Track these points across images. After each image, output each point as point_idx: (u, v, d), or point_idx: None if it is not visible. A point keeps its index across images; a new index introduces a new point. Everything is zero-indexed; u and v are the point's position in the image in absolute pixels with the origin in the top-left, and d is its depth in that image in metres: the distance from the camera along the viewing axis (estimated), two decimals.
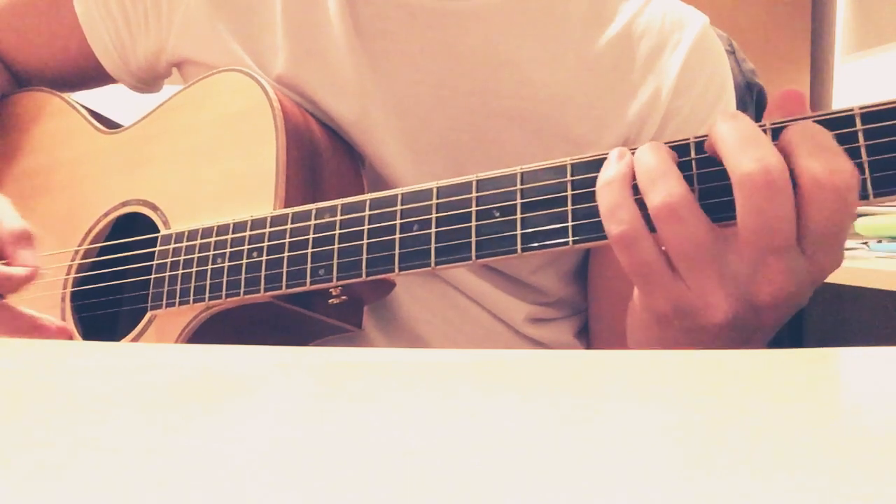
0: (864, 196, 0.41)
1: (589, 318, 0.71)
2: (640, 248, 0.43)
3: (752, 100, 1.14)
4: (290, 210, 0.56)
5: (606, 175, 0.44)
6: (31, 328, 0.63)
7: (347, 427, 0.23)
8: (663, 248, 0.43)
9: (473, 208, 0.49)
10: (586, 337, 0.72)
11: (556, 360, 0.33)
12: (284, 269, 0.55)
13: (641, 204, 0.43)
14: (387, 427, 0.22)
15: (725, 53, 0.72)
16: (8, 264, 0.59)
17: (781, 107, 0.43)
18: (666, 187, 0.42)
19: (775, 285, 0.41)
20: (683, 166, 0.44)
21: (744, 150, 0.40)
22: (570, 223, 0.47)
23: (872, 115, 0.41)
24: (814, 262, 0.41)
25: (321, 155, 0.62)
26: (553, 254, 0.66)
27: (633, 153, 0.45)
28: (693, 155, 0.44)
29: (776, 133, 0.42)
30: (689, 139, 0.45)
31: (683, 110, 0.66)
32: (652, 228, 0.43)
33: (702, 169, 0.44)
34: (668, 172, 0.42)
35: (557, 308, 0.70)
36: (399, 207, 0.52)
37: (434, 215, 0.50)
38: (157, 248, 0.62)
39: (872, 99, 0.42)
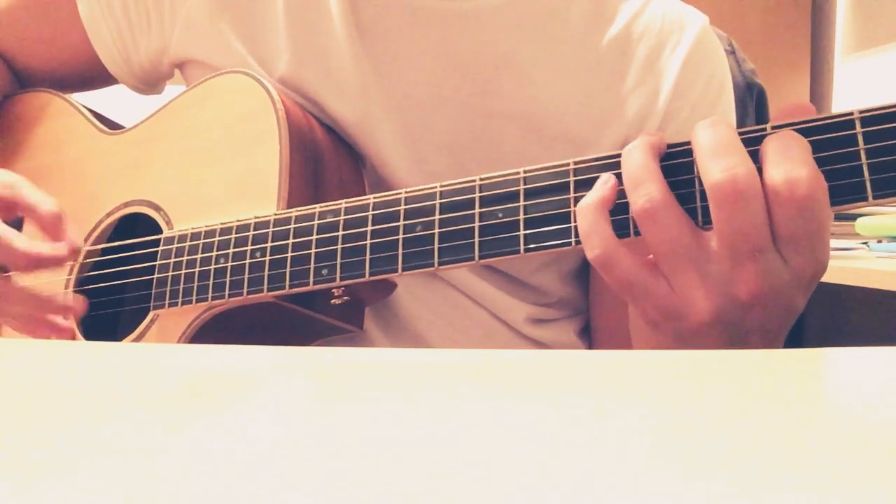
0: (863, 198, 0.41)
1: (590, 319, 0.72)
2: (616, 268, 0.44)
3: (752, 100, 1.14)
4: (293, 211, 0.56)
5: (582, 201, 0.46)
6: (36, 324, 0.63)
7: (348, 427, 0.23)
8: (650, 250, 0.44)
9: (476, 209, 0.50)
10: (587, 337, 0.72)
11: (557, 361, 0.34)
12: (288, 270, 0.55)
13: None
14: (387, 427, 0.22)
15: (725, 53, 0.72)
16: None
17: (790, 117, 0.44)
18: (645, 192, 0.43)
19: (751, 286, 0.42)
20: (684, 168, 0.44)
21: (714, 158, 0.42)
22: (572, 224, 0.47)
23: (872, 118, 0.41)
24: (792, 264, 0.42)
25: (323, 156, 0.62)
26: (554, 254, 0.66)
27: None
28: (694, 157, 0.44)
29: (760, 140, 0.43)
30: (689, 143, 0.45)
31: (683, 111, 0.66)
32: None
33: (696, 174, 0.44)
34: (647, 176, 0.43)
35: (558, 308, 0.70)
36: (402, 208, 0.52)
37: (437, 216, 0.51)
38: (161, 248, 0.62)
39: (872, 99, 0.42)
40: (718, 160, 0.41)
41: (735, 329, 0.44)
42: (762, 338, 0.45)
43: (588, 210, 0.45)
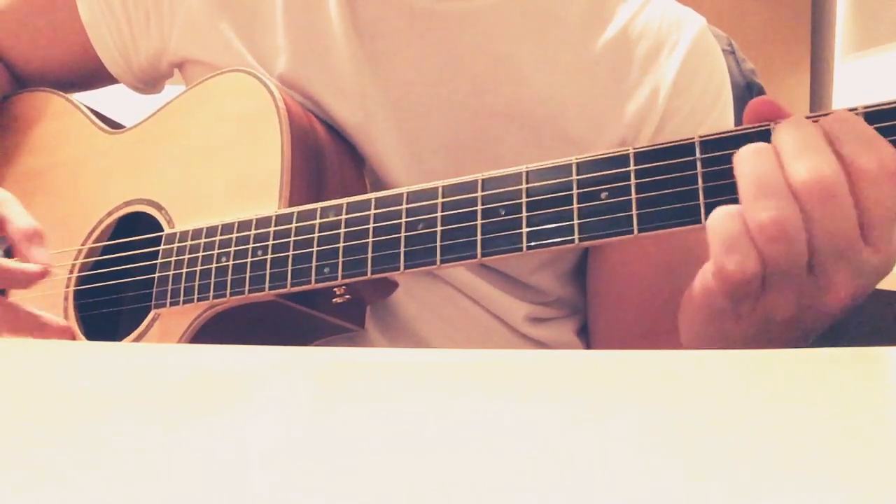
0: None
1: (588, 318, 0.72)
2: (798, 241, 0.41)
3: (751, 99, 1.13)
4: (295, 209, 0.56)
5: (751, 148, 0.42)
6: (35, 327, 0.63)
7: (348, 427, 0.23)
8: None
9: (479, 207, 0.50)
10: (586, 336, 0.72)
11: (557, 361, 0.34)
12: (289, 268, 0.55)
13: None
14: (387, 427, 0.22)
15: (723, 54, 0.72)
16: (21, 262, 0.60)
17: (759, 117, 0.44)
18: (815, 163, 0.40)
19: (847, 291, 0.42)
20: (687, 166, 0.44)
21: (797, 157, 0.40)
22: (575, 221, 0.47)
23: (876, 114, 0.41)
24: (881, 250, 0.41)
25: (325, 155, 0.62)
26: (552, 253, 0.66)
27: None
28: (698, 154, 0.44)
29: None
30: (693, 138, 0.45)
31: (682, 111, 0.66)
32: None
33: (707, 168, 0.44)
34: (817, 148, 0.41)
35: (557, 307, 0.70)
36: (404, 206, 0.52)
37: (439, 214, 0.51)
38: (162, 247, 0.62)
39: (872, 99, 0.42)
40: (802, 159, 0.40)
41: (807, 330, 0.44)
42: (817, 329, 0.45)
43: (762, 155, 0.42)
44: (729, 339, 0.46)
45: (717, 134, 0.44)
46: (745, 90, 1.13)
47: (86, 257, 0.69)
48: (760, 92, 1.15)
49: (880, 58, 2.11)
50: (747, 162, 0.42)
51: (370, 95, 0.64)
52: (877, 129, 0.41)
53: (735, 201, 0.42)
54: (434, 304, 0.66)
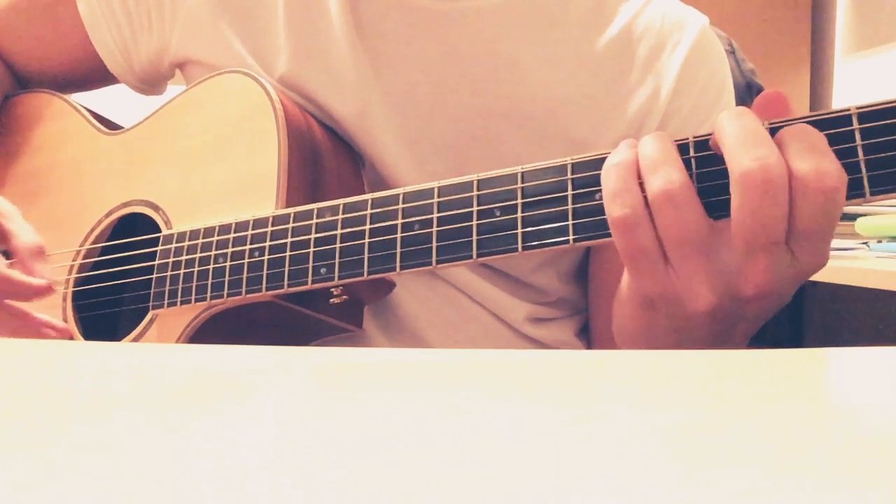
0: (860, 195, 0.41)
1: (589, 318, 0.71)
2: (639, 233, 0.43)
3: (751, 100, 1.13)
4: (291, 210, 0.56)
5: (614, 159, 0.45)
6: (33, 329, 0.63)
7: (347, 427, 0.23)
8: (659, 235, 0.44)
9: (475, 207, 0.50)
10: (587, 336, 0.72)
11: (557, 360, 0.34)
12: (286, 269, 0.55)
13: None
14: (387, 427, 0.22)
15: (725, 53, 0.72)
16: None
17: (765, 109, 0.44)
18: (666, 174, 0.43)
19: (759, 279, 0.42)
20: (686, 164, 0.45)
21: (745, 147, 0.41)
22: (570, 222, 0.47)
23: (869, 114, 0.41)
24: (799, 259, 0.42)
25: (322, 156, 0.62)
26: (553, 253, 0.66)
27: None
28: (692, 153, 0.45)
29: (772, 132, 0.43)
30: (688, 138, 0.45)
31: (683, 110, 0.66)
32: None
33: (701, 168, 0.44)
34: (668, 160, 0.43)
35: (558, 308, 0.70)
36: (400, 206, 0.52)
37: (435, 214, 0.51)
38: (160, 248, 0.62)
39: (872, 99, 0.42)
40: (749, 149, 0.41)
41: (727, 321, 0.44)
42: (747, 327, 0.45)
43: (622, 168, 0.44)
44: (653, 335, 0.47)
45: (710, 135, 0.45)
46: (746, 90, 1.13)
47: (84, 258, 0.69)
48: (760, 92, 1.15)
49: (880, 58, 2.11)
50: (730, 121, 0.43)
51: (371, 95, 0.64)
52: (868, 129, 0.41)
53: (726, 202, 0.42)
54: (434, 303, 0.66)
